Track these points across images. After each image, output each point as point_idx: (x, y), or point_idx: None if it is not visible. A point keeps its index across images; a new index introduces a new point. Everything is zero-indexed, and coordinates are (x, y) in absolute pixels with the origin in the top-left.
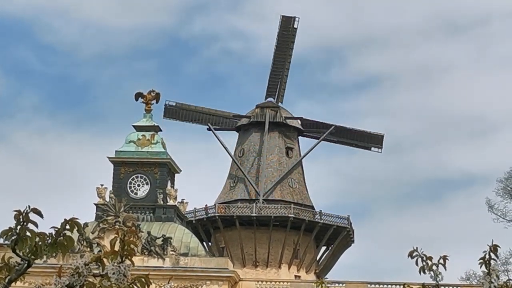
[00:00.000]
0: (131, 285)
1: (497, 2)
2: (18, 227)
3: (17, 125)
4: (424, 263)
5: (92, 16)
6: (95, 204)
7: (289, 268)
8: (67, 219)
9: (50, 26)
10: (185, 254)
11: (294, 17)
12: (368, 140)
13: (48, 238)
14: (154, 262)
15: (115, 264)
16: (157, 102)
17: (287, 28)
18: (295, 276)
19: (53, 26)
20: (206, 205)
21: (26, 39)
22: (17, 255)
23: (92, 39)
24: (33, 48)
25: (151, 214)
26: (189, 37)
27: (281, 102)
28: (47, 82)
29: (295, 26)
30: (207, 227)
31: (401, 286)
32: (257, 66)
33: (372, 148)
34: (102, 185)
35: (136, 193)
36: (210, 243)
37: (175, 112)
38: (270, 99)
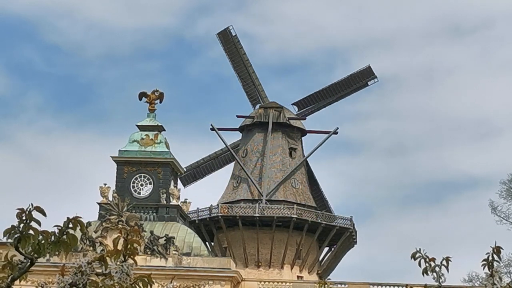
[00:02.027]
0: (133, 285)
1: (501, 5)
2: (21, 225)
3: (22, 125)
4: (427, 265)
5: (97, 17)
6: (98, 203)
7: (291, 268)
8: (70, 218)
9: (54, 26)
10: (188, 254)
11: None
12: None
13: (51, 237)
14: (156, 261)
15: (118, 263)
16: (160, 102)
17: (228, 41)
18: (298, 276)
19: (57, 26)
20: (211, 205)
21: (30, 39)
22: (20, 253)
23: (97, 39)
24: (37, 48)
25: (154, 214)
26: (193, 38)
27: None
28: (51, 82)
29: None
30: (210, 227)
31: (404, 287)
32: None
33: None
34: (105, 184)
35: (139, 193)
36: (212, 243)
37: (227, 40)
38: (294, 107)
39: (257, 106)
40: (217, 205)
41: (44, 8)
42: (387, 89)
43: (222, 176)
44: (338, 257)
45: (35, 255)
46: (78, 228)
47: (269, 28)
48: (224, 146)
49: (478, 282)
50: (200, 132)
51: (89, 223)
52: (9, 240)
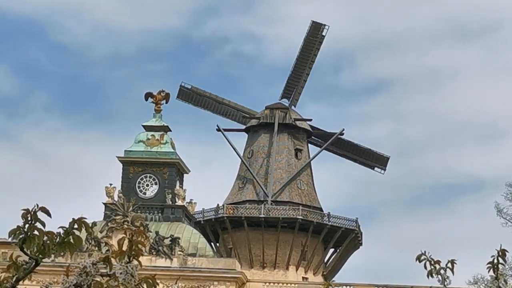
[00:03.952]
0: (138, 286)
1: (507, 8)
2: (26, 225)
3: (28, 125)
4: (432, 267)
5: (104, 17)
6: (103, 203)
7: (296, 269)
8: (75, 218)
9: (61, 27)
10: (193, 255)
11: (324, 25)
12: (373, 159)
13: (56, 237)
14: (162, 262)
15: (123, 264)
16: (166, 102)
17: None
18: (303, 277)
19: (64, 27)
20: (218, 204)
21: (37, 39)
22: (25, 253)
23: (103, 39)
24: (44, 48)
25: (160, 214)
26: (200, 39)
27: (294, 106)
28: (58, 82)
29: (323, 33)
30: (215, 228)
31: None
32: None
33: (376, 168)
34: (111, 184)
35: (144, 193)
36: (218, 244)
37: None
38: (284, 100)
39: (263, 107)
40: (223, 206)
41: (51, 8)
42: (393, 91)
43: (228, 177)
44: (343, 258)
45: (40, 256)
46: (83, 229)
47: (276, 29)
48: (233, 154)
49: (483, 285)
50: (206, 133)
51: (94, 223)
52: (14, 241)
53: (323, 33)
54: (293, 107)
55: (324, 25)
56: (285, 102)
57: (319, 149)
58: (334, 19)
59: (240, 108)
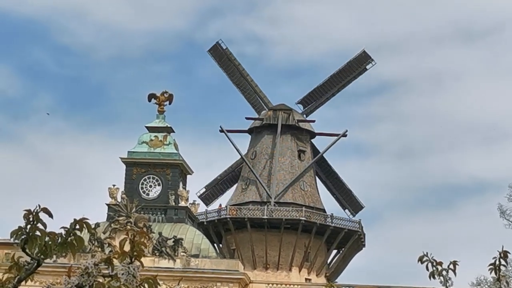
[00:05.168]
0: (139, 287)
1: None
2: (28, 226)
3: (32, 126)
4: (434, 268)
5: (107, 19)
6: (107, 204)
7: (299, 271)
8: (77, 219)
9: (65, 28)
10: (196, 256)
11: (372, 60)
12: (357, 65)
13: (57, 238)
14: (165, 263)
15: (125, 264)
16: (170, 104)
17: (360, 64)
18: (306, 279)
19: (68, 28)
20: (220, 205)
21: (41, 41)
22: (27, 254)
23: (107, 41)
24: (48, 49)
25: (163, 215)
26: (203, 41)
27: (306, 115)
28: (62, 83)
29: (367, 66)
30: (218, 229)
31: None
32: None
33: (367, 67)
34: (114, 185)
35: (148, 194)
36: (221, 245)
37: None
38: (299, 105)
39: (266, 109)
40: (226, 207)
41: (55, 10)
42: (396, 93)
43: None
44: (346, 259)
45: (42, 256)
46: (85, 230)
47: (280, 31)
48: (237, 155)
49: (486, 286)
50: (209, 134)
51: (97, 224)
52: (16, 241)
53: (367, 67)
54: (304, 115)
55: (372, 60)
56: (299, 107)
57: (324, 145)
58: (338, 20)
59: (259, 93)
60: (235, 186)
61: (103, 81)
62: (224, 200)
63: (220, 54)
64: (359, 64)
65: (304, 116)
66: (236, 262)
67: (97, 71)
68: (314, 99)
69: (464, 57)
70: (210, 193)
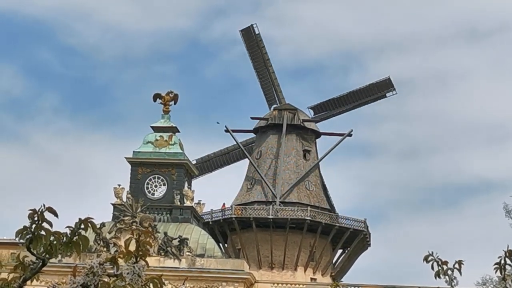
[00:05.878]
0: (144, 286)
1: None
2: (33, 226)
3: (38, 126)
4: (440, 268)
5: (113, 19)
6: (112, 204)
7: (305, 270)
8: (82, 218)
9: (71, 28)
10: (201, 255)
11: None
12: (378, 89)
13: (63, 237)
14: (170, 263)
15: (130, 264)
16: (175, 103)
17: (251, 38)
18: (311, 278)
19: (74, 29)
20: (224, 203)
21: (47, 41)
22: (32, 254)
23: (113, 41)
24: (54, 50)
25: (168, 215)
26: (208, 41)
27: (316, 122)
28: (67, 84)
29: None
30: (224, 229)
31: None
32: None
33: (387, 94)
34: (119, 185)
35: (153, 194)
36: (226, 245)
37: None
38: (309, 110)
39: (272, 108)
40: (231, 206)
41: (60, 11)
42: (401, 93)
43: (236, 178)
44: (351, 259)
45: (47, 256)
46: (91, 229)
47: (285, 31)
48: (238, 146)
49: (491, 286)
50: (214, 134)
51: (103, 224)
52: (21, 241)
53: (387, 94)
54: (314, 123)
55: (394, 89)
56: (309, 112)
57: (329, 144)
58: (343, 20)
59: (276, 86)
60: (225, 170)
61: (108, 81)
62: (226, 199)
63: (250, 37)
64: (380, 89)
65: (309, 114)
66: (242, 262)
67: (102, 72)
68: (326, 109)
69: (469, 57)
70: (201, 167)
